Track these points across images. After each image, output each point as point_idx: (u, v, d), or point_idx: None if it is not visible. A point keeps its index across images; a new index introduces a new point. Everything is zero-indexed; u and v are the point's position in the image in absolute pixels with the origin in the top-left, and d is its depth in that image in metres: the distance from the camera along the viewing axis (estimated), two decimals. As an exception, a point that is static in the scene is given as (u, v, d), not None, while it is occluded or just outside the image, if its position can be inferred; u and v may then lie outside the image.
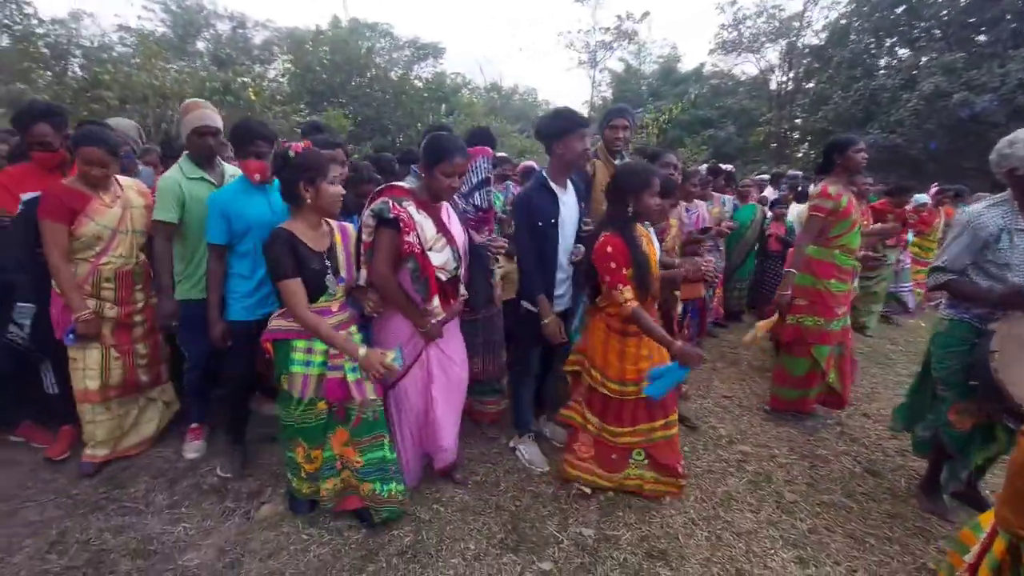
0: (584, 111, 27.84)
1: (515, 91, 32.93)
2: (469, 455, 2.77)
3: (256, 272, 2.34)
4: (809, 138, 19.20)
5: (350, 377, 2.00)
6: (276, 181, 2.04)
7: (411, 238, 2.03)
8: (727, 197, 4.93)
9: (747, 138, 21.27)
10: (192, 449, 2.72)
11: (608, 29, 26.08)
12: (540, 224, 2.45)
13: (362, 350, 1.95)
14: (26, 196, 2.45)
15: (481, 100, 29.26)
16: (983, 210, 2.16)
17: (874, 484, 2.68)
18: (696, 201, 4.13)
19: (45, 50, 11.74)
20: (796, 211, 4.66)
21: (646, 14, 24.74)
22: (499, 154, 4.08)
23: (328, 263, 2.00)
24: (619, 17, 25.94)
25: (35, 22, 12.08)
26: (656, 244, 2.42)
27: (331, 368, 2.00)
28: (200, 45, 17.88)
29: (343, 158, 2.41)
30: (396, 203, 2.05)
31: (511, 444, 2.84)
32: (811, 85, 19.35)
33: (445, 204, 2.26)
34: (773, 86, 21.38)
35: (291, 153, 1.92)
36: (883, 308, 5.47)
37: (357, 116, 17.81)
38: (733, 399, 3.67)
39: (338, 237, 2.10)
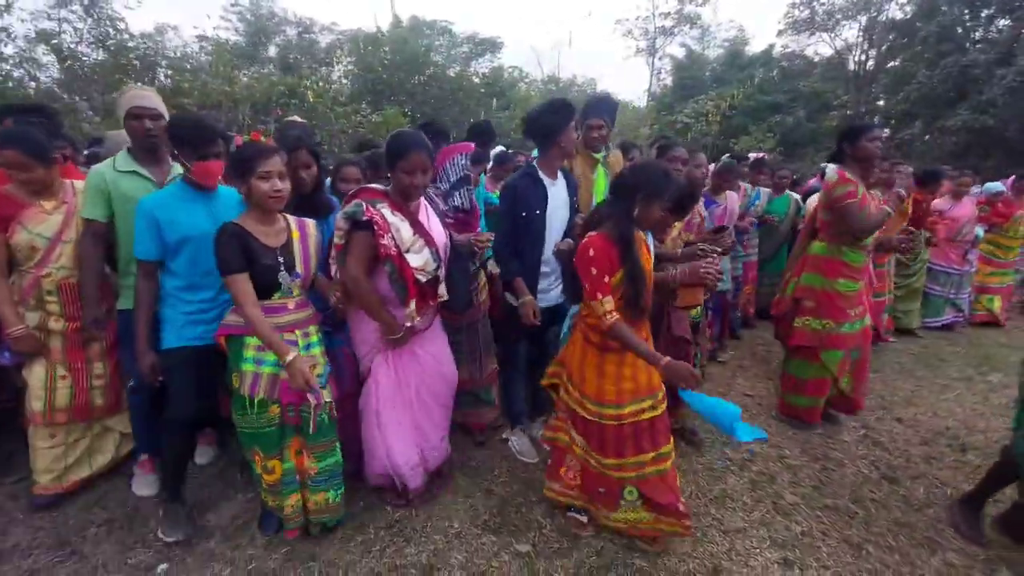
0: (644, 100, 27.12)
1: (573, 82, 32.59)
2: (466, 443, 2.89)
3: (198, 293, 2.07)
4: (892, 121, 17.71)
5: None
6: (219, 188, 2.05)
7: (386, 240, 2.01)
8: (761, 189, 4.67)
9: (820, 123, 19.94)
10: (144, 485, 2.44)
11: (668, 14, 25.20)
12: (524, 214, 2.45)
13: (291, 355, 1.83)
14: None
15: (538, 93, 29.24)
16: None
17: (888, 491, 2.55)
18: (728, 193, 3.98)
19: (136, 62, 12.95)
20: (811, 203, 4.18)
21: (710, -5, 23.64)
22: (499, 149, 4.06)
23: (281, 259, 1.93)
24: (680, 1, 24.89)
25: (126, 36, 13.31)
26: (652, 251, 2.21)
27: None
28: (270, 51, 19.03)
29: (305, 160, 2.24)
30: (370, 205, 2.03)
31: (503, 436, 2.93)
32: (895, 63, 17.85)
33: (424, 204, 2.24)
34: (851, 66, 19.89)
35: (233, 147, 1.89)
36: (939, 316, 4.96)
37: (415, 113, 18.36)
38: (755, 397, 3.57)
39: (295, 233, 2.02)
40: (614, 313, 1.87)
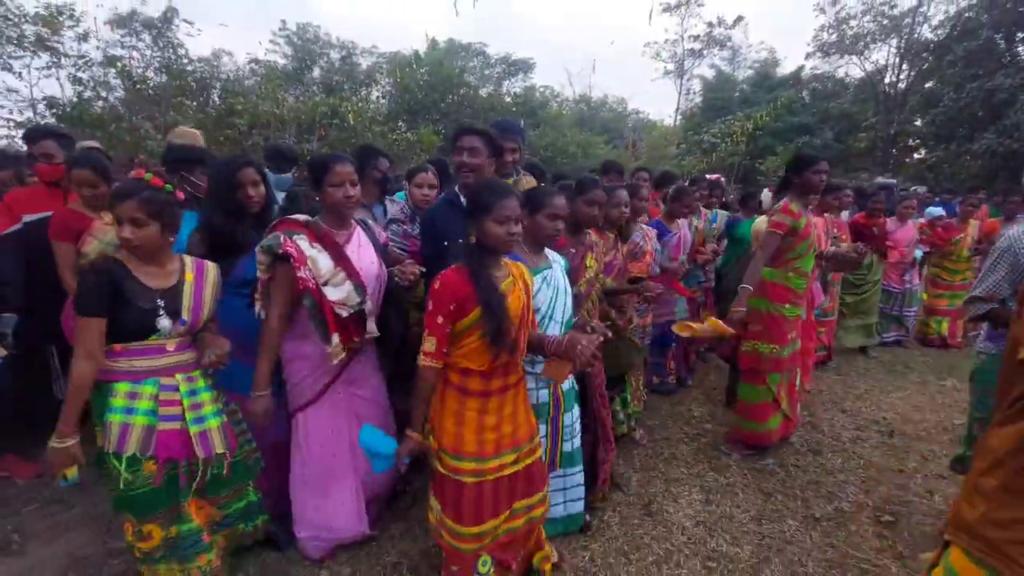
0: (673, 120, 27.67)
1: (604, 102, 33.40)
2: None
3: None
4: (917, 142, 17.77)
5: (192, 429, 1.79)
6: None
7: (303, 273, 1.92)
8: (719, 212, 4.63)
9: (849, 144, 20.11)
10: None
11: (698, 37, 25.85)
12: (445, 243, 2.31)
13: (67, 442, 1.65)
14: (28, 217, 2.72)
15: (570, 112, 30.10)
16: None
17: (811, 460, 3.11)
18: (679, 221, 3.78)
19: (192, 84, 14.34)
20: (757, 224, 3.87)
21: (739, 19, 24.26)
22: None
23: (162, 302, 1.76)
24: (710, 24, 25.54)
25: (186, 61, 14.74)
26: (543, 288, 2.06)
27: (164, 418, 1.75)
28: (315, 73, 20.44)
29: (252, 177, 2.23)
30: (287, 237, 1.96)
31: None
32: (930, 84, 17.98)
33: (358, 233, 2.18)
34: (883, 88, 20.06)
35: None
36: (885, 334, 5.20)
37: (448, 132, 19.38)
38: (711, 423, 3.59)
39: (189, 276, 1.86)
40: (430, 357, 1.73)
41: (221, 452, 1.85)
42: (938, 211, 5.27)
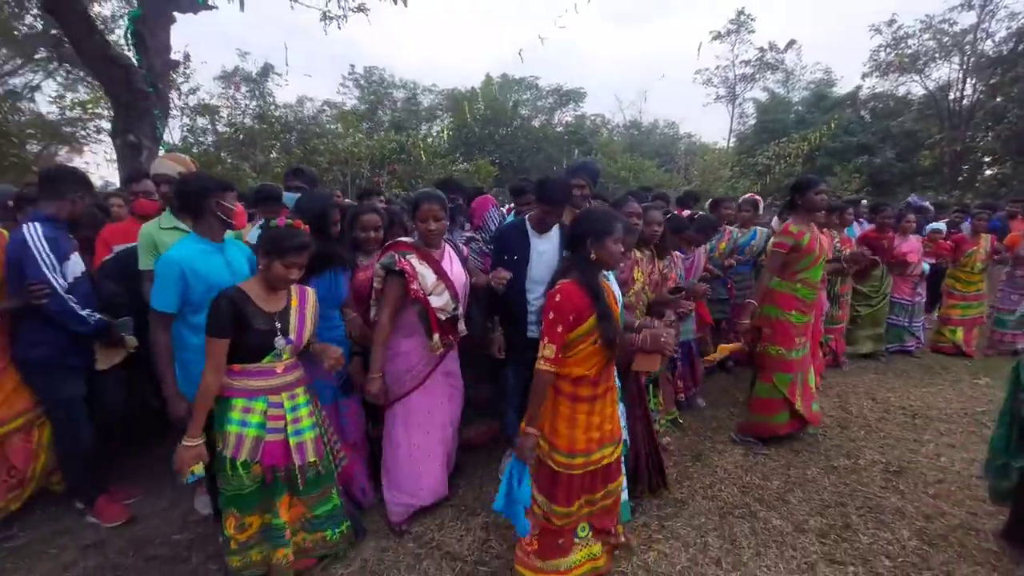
0: (726, 143, 28.04)
1: (655, 126, 34.17)
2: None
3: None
4: (986, 159, 17.53)
5: (292, 440, 2.09)
6: (226, 239, 2.40)
7: (415, 285, 2.42)
8: (759, 228, 4.75)
9: (912, 162, 19.95)
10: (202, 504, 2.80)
11: (749, 62, 26.42)
12: (506, 258, 2.85)
13: (195, 441, 1.96)
14: (118, 247, 3.05)
15: (621, 138, 31.07)
16: None
17: (837, 432, 3.74)
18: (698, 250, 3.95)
19: (278, 127, 16.28)
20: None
21: (792, 43, 24.68)
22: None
23: (278, 324, 2.06)
24: (761, 49, 26.09)
25: (274, 107, 16.72)
26: (619, 297, 2.32)
27: (270, 431, 2.04)
28: (383, 111, 22.46)
29: (337, 217, 2.65)
30: (400, 256, 2.45)
31: (503, 461, 3.18)
32: (997, 100, 17.80)
33: (448, 251, 2.65)
34: (947, 104, 19.92)
35: (273, 223, 2.03)
36: (900, 342, 5.54)
37: (503, 162, 20.67)
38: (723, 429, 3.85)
39: (295, 300, 2.16)
40: (549, 363, 1.95)
41: (313, 460, 2.16)
42: (939, 227, 5.69)
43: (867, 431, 3.79)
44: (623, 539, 2.44)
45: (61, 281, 2.44)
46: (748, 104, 27.20)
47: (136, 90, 4.96)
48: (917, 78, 20.27)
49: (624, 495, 2.55)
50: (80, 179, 2.63)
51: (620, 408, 2.45)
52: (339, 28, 8.06)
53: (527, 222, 2.93)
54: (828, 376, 4.82)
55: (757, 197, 5.12)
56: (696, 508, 2.86)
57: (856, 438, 3.69)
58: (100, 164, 17.99)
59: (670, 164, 27.86)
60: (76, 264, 2.58)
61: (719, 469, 3.24)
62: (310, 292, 2.27)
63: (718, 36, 26.26)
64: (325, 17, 7.97)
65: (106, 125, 13.18)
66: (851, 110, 21.56)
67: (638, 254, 3.03)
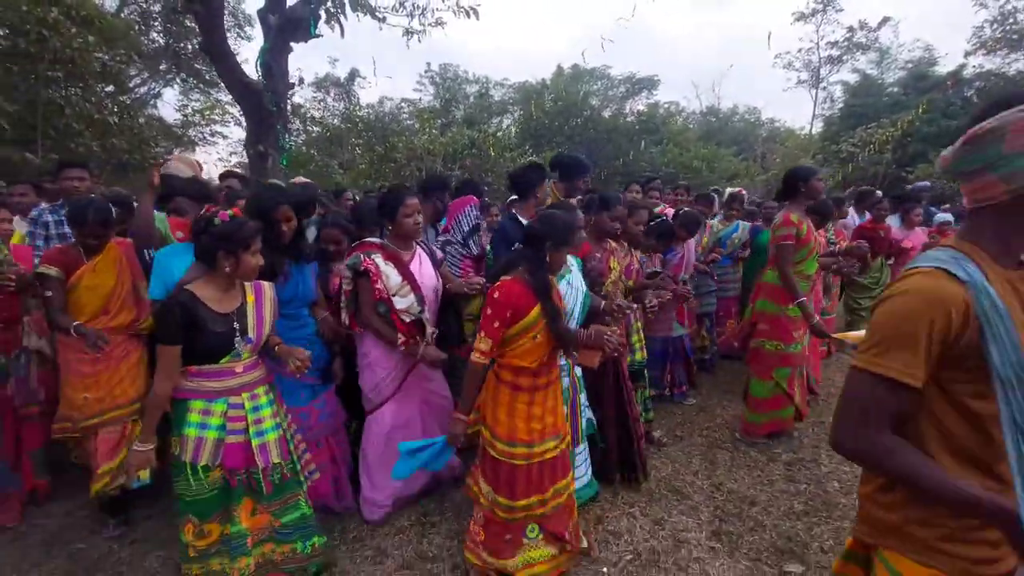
0: (809, 129, 27.08)
1: (734, 112, 33.38)
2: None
3: None
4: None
5: (254, 442, 2.04)
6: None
7: (379, 285, 2.50)
8: (740, 222, 4.96)
9: (1022, 148, 18.59)
10: None
11: (836, 43, 25.34)
12: (511, 248, 2.73)
13: (136, 444, 1.98)
14: None
15: (696, 126, 30.62)
16: None
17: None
18: (687, 243, 4.11)
19: (361, 126, 17.90)
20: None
21: (885, 20, 23.43)
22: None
23: (236, 324, 2.04)
24: (851, 28, 24.92)
25: (358, 108, 18.38)
26: (567, 291, 2.44)
27: (231, 432, 2.01)
28: (456, 107, 23.79)
29: (287, 214, 2.54)
30: (366, 256, 2.51)
31: None
32: None
33: (419, 252, 2.72)
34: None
35: (216, 220, 1.97)
36: None
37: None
38: (718, 425, 4.02)
39: (251, 297, 2.13)
40: (483, 356, 2.11)
41: (278, 462, 2.12)
42: (946, 217, 5.73)
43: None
44: (583, 543, 2.46)
45: None
46: (836, 87, 26.14)
47: (264, 109, 6.38)
48: (1027, 55, 18.87)
49: (585, 479, 2.76)
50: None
51: (583, 398, 2.68)
52: (419, 42, 9.27)
53: (517, 213, 3.14)
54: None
55: (743, 192, 5.37)
56: (690, 441, 3.74)
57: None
58: (207, 163, 20.48)
59: (748, 152, 27.27)
60: None
61: (719, 417, 4.07)
62: (266, 287, 2.24)
63: (801, 17, 25.39)
64: (407, 32, 9.19)
65: (220, 129, 15.36)
66: (952, 91, 20.29)
67: (614, 244, 3.23)
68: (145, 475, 2.11)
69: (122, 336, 2.73)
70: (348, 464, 2.94)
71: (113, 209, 2.74)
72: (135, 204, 3.26)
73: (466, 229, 3.38)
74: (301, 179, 4.17)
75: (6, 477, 2.87)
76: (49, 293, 2.59)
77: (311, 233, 3.26)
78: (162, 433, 2.11)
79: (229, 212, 2.03)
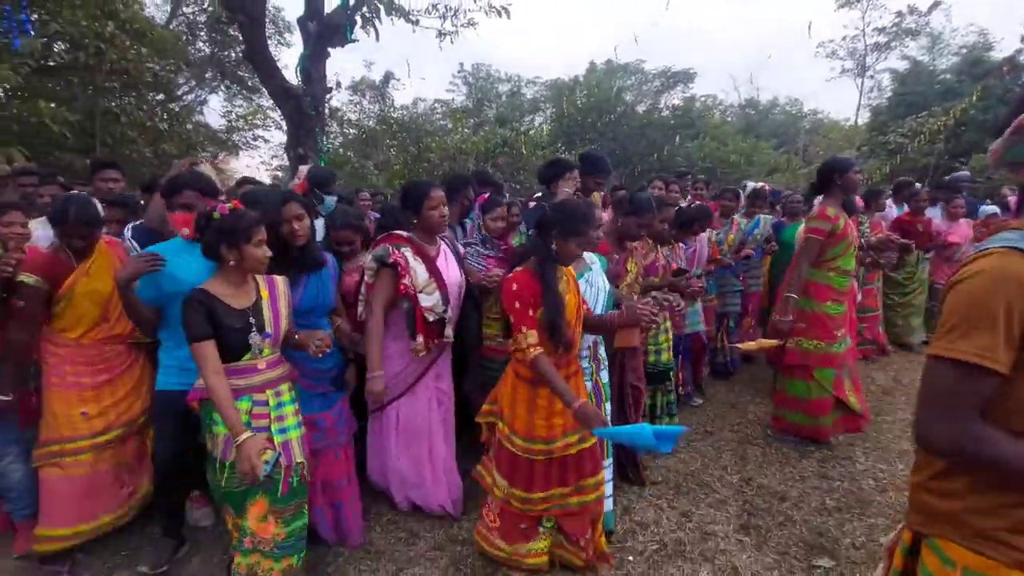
0: (855, 120, 26.16)
1: (775, 104, 32.52)
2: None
3: (183, 346, 2.02)
4: None
5: (277, 439, 2.05)
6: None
7: (407, 280, 2.41)
8: (762, 216, 4.85)
9: (1088, 135, 17.50)
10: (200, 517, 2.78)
11: (883, 29, 24.37)
12: None
13: (245, 435, 1.90)
14: None
15: (735, 119, 29.95)
16: None
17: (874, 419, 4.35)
18: (699, 237, 4.03)
19: (395, 127, 18.26)
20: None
21: (936, 4, 22.36)
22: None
23: (252, 320, 2.04)
24: (899, 14, 23.93)
25: (392, 110, 18.75)
26: (587, 289, 2.39)
27: (255, 429, 2.01)
28: (489, 106, 24.00)
29: (297, 211, 2.35)
30: (395, 249, 2.43)
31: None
32: None
33: (444, 249, 2.63)
34: None
35: (215, 214, 1.97)
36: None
37: (605, 151, 21.16)
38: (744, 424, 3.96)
39: (264, 292, 2.13)
40: (537, 347, 2.03)
41: (300, 461, 2.11)
42: (992, 209, 5.54)
43: (908, 398, 4.35)
44: (593, 558, 2.34)
45: None
46: (883, 76, 25.16)
47: (304, 113, 6.65)
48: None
49: (608, 504, 2.55)
50: None
51: (607, 408, 2.52)
52: (452, 43, 9.43)
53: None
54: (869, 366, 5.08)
55: (766, 187, 5.24)
56: (720, 436, 3.74)
57: (895, 402, 4.29)
58: (250, 167, 21.31)
59: (790, 144, 26.54)
60: None
61: (751, 414, 4.06)
62: (279, 280, 2.24)
63: (846, 3, 24.52)
64: (440, 34, 9.37)
65: (262, 133, 15.94)
66: (1009, 77, 19.26)
67: (633, 244, 3.13)
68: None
69: (123, 345, 2.58)
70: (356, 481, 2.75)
71: (99, 206, 2.50)
72: (140, 204, 3.23)
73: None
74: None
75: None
76: (22, 303, 2.31)
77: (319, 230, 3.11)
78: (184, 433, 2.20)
79: (229, 205, 2.03)
